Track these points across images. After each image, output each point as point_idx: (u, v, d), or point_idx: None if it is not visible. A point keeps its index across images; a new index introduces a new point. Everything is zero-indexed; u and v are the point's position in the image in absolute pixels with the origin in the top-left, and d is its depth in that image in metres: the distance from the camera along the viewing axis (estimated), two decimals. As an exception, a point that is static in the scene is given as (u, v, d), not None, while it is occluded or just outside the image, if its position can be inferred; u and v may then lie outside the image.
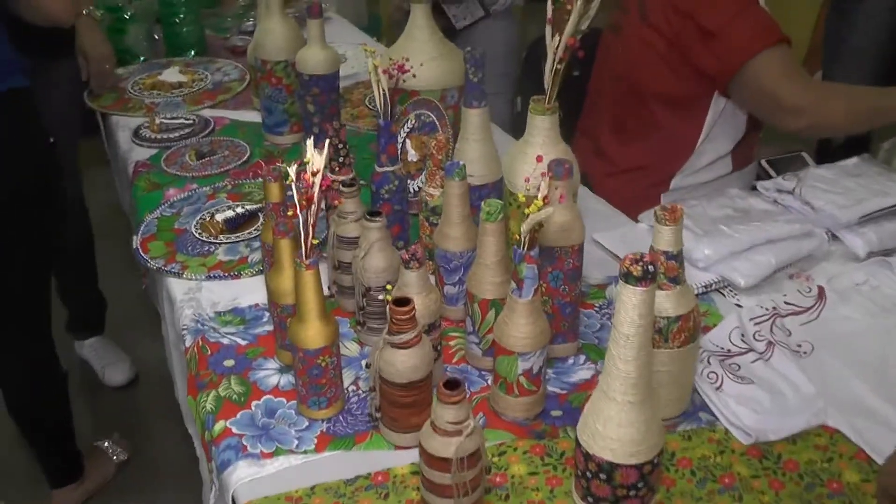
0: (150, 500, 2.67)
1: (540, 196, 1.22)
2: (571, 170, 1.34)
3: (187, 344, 1.53)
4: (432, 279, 1.46)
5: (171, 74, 2.55)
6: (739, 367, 1.45)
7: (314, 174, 1.23)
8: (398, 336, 1.20)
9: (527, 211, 1.21)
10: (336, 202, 1.49)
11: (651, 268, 1.03)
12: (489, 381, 1.41)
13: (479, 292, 1.36)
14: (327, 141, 1.29)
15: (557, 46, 1.38)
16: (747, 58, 1.92)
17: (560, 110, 1.45)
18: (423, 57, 1.79)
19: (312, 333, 1.27)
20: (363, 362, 1.45)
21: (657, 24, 2.03)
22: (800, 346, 1.51)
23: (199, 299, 1.63)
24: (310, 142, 1.26)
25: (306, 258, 1.24)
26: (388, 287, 1.29)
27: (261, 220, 1.84)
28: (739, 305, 1.59)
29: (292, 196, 1.25)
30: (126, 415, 2.97)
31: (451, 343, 1.50)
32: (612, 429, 1.10)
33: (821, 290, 1.64)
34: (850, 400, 1.40)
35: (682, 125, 2.09)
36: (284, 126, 2.17)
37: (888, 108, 1.92)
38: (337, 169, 1.63)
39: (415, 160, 1.82)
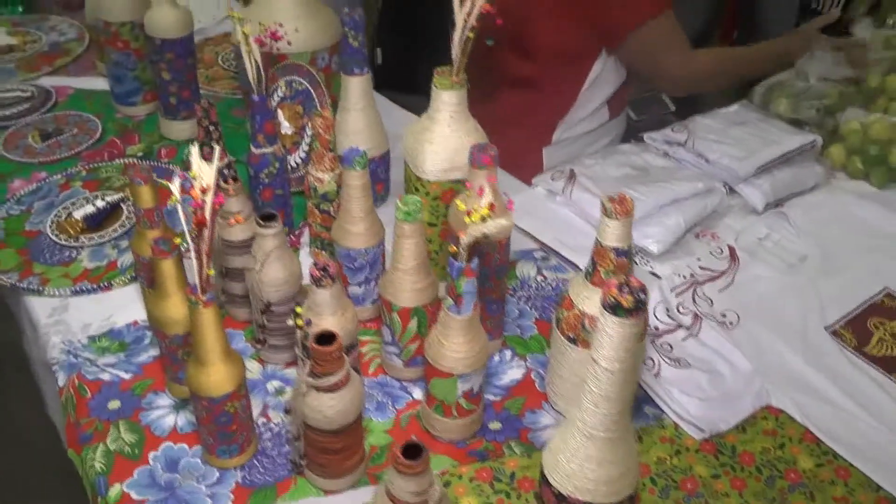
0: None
1: (484, 203, 0.94)
2: (496, 156, 1.07)
3: (60, 383, 1.19)
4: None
5: (-1, 37, 2.08)
6: (672, 347, 1.25)
7: (204, 192, 0.91)
8: (325, 379, 0.92)
9: (468, 220, 0.94)
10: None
11: (642, 295, 0.78)
12: (414, 395, 1.15)
13: (398, 300, 1.09)
14: (215, 150, 0.97)
15: (470, 13, 1.09)
16: (637, 24, 1.74)
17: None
18: (289, 17, 1.46)
19: (217, 379, 0.97)
20: (283, 401, 1.15)
21: None
22: (724, 315, 1.32)
23: (67, 321, 1.28)
24: (194, 150, 0.93)
25: (202, 293, 0.94)
26: (298, 310, 1.00)
27: (125, 212, 1.49)
28: (655, 275, 1.38)
29: (174, 213, 0.94)
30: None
31: (364, 349, 1.22)
32: (592, 469, 0.86)
33: (731, 250, 1.45)
34: (785, 373, 1.24)
35: (566, 78, 1.85)
36: (137, 95, 1.78)
37: (755, 61, 1.92)
38: (209, 154, 1.30)
39: (290, 133, 1.50)
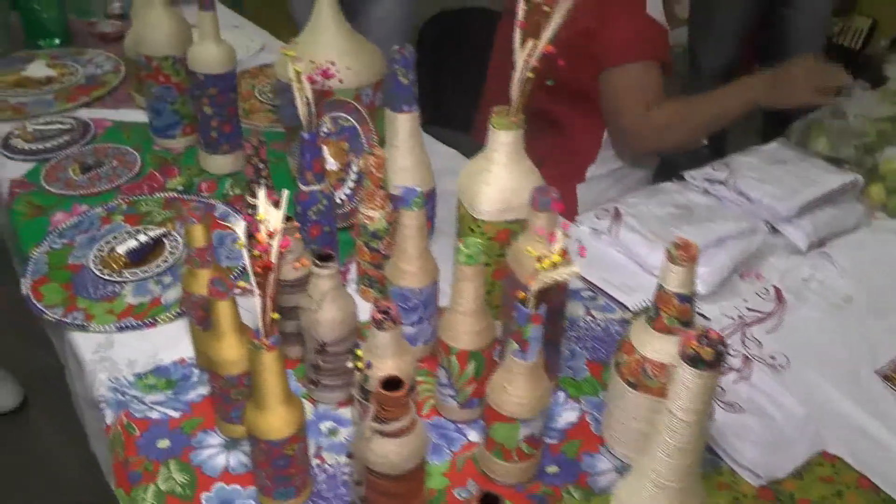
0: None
1: (556, 249, 0.92)
2: (559, 200, 1.04)
3: (108, 420, 1.16)
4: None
5: (38, 69, 2.06)
6: (724, 390, 1.22)
7: (271, 235, 0.88)
8: (390, 424, 0.89)
9: (539, 266, 0.91)
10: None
11: (722, 348, 0.76)
12: (469, 437, 1.12)
13: (456, 343, 1.06)
14: (284, 195, 0.94)
15: (531, 54, 1.07)
16: (611, 63, 1.72)
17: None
18: (338, 53, 1.45)
19: (278, 423, 0.94)
20: (337, 442, 1.12)
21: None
22: (774, 357, 1.29)
23: (113, 358, 1.25)
24: (262, 194, 0.91)
25: (266, 337, 0.91)
26: (358, 352, 0.97)
27: (167, 247, 1.46)
28: (703, 315, 1.35)
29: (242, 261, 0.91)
30: (21, 442, 2.44)
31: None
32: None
33: (777, 291, 1.42)
34: (838, 417, 1.21)
35: (586, 117, 1.83)
36: (176, 128, 1.76)
37: (717, 108, 1.79)
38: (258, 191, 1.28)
39: (334, 169, 1.48)
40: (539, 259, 0.91)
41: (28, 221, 1.55)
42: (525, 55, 1.08)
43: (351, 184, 1.47)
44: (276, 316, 0.90)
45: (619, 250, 1.46)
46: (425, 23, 2.37)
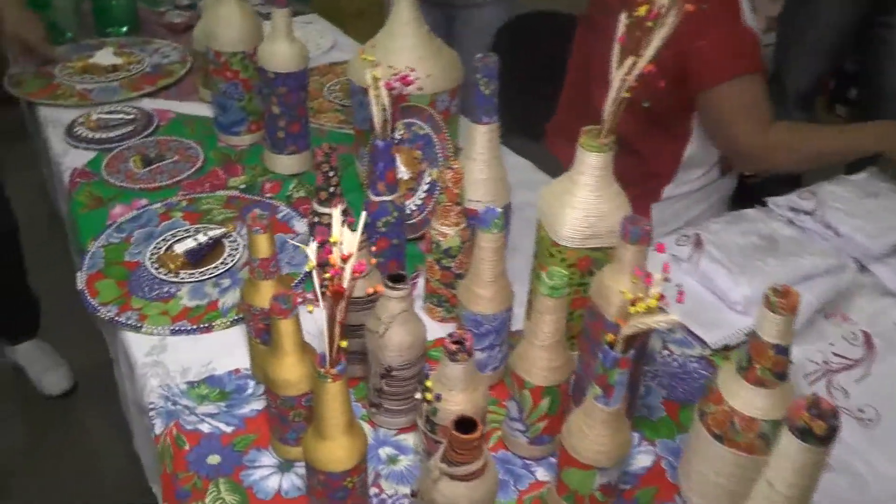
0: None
1: (653, 293, 0.83)
2: (651, 232, 0.96)
3: (157, 430, 1.09)
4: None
5: (105, 56, 2.02)
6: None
7: (344, 259, 0.81)
8: (462, 468, 0.82)
9: (632, 310, 0.83)
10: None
11: (835, 422, 0.67)
12: (537, 475, 1.04)
13: (531, 377, 0.98)
14: (362, 217, 0.87)
15: (629, 72, 0.99)
16: (714, 82, 1.60)
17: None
18: (416, 58, 1.38)
19: (339, 454, 0.87)
20: (410, 490, 1.03)
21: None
22: (862, 410, 1.20)
23: (165, 363, 1.19)
24: (337, 214, 0.83)
25: (332, 366, 0.84)
26: (428, 383, 0.90)
27: (227, 248, 1.40)
28: (787, 357, 1.26)
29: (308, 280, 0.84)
30: (67, 427, 2.41)
31: (480, 419, 1.11)
32: None
33: (867, 336, 1.31)
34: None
35: (669, 135, 1.73)
36: (241, 125, 1.70)
37: (840, 150, 1.67)
38: (326, 198, 1.21)
39: (405, 178, 1.41)
40: (633, 302, 0.82)
41: (87, 213, 1.50)
42: (623, 73, 0.99)
43: (422, 194, 1.40)
44: (343, 344, 0.83)
45: (699, 281, 1.37)
46: (499, 28, 2.29)
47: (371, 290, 0.93)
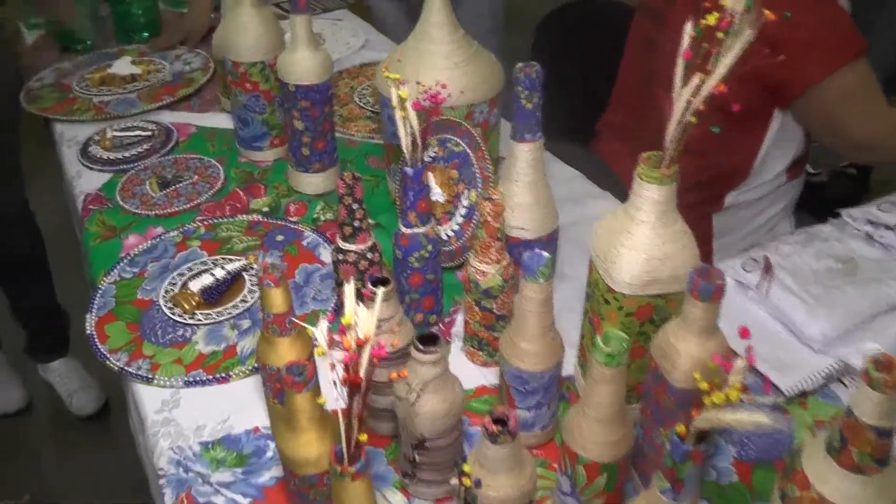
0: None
1: (733, 381, 0.69)
2: (724, 287, 0.81)
3: (168, 501, 0.97)
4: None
5: (123, 66, 1.90)
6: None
7: (360, 344, 0.67)
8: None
9: (708, 400, 0.68)
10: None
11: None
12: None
13: (586, 452, 0.84)
14: (380, 293, 0.73)
15: (695, 93, 0.83)
16: (816, 79, 1.42)
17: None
18: (449, 67, 1.23)
19: (363, 559, 0.74)
20: None
21: (709, 10, 1.49)
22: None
23: (178, 420, 1.07)
24: (349, 290, 0.69)
25: (351, 462, 0.70)
26: (466, 468, 0.76)
27: (247, 283, 1.27)
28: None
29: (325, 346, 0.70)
30: (97, 448, 2.33)
31: (527, 486, 0.97)
32: None
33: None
34: None
35: (740, 140, 1.56)
36: (263, 140, 1.57)
37: None
38: (351, 234, 1.08)
39: (441, 201, 1.27)
40: (709, 389, 0.68)
41: (99, 245, 1.38)
42: (688, 94, 0.84)
43: (460, 219, 1.26)
44: (363, 437, 0.70)
45: (769, 313, 1.21)
46: (544, 17, 2.11)
47: (395, 341, 0.79)
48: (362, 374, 0.66)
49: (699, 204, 1.59)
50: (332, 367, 0.67)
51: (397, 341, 0.94)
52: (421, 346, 0.85)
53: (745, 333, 0.74)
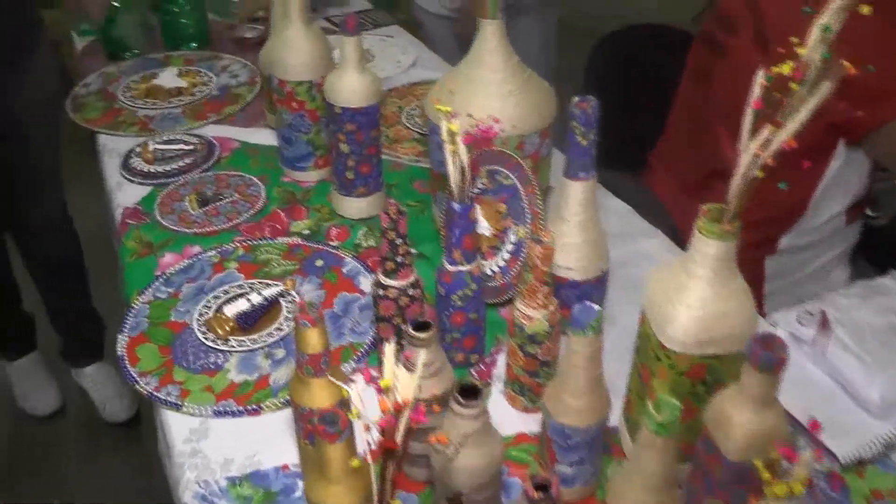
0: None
1: (798, 475, 0.64)
2: (787, 359, 0.76)
3: (190, 544, 0.95)
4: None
5: (169, 77, 1.89)
6: None
7: (398, 409, 0.63)
8: None
9: (769, 491, 0.63)
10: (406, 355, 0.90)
11: None
12: None
13: (630, 520, 0.80)
14: (421, 354, 0.70)
15: (764, 146, 0.79)
16: (891, 117, 1.35)
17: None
18: (501, 96, 1.20)
19: None
20: None
21: (781, 56, 1.44)
22: None
23: (206, 452, 1.04)
24: (389, 350, 0.66)
25: (385, 527, 0.67)
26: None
27: (284, 309, 1.24)
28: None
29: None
30: (126, 458, 2.32)
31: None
32: None
33: None
34: None
35: (799, 178, 1.50)
36: (307, 160, 1.55)
37: None
38: (392, 269, 1.04)
39: (487, 234, 1.23)
40: (769, 475, 0.63)
41: (135, 262, 1.36)
42: (756, 147, 0.79)
43: (506, 255, 1.22)
44: (397, 502, 0.66)
45: (826, 371, 1.15)
46: (600, 39, 2.06)
47: (417, 422, 0.75)
48: (398, 439, 0.63)
49: (752, 246, 1.53)
50: (367, 428, 0.63)
51: (437, 388, 0.91)
52: (462, 400, 0.81)
53: (814, 427, 0.69)
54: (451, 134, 1.00)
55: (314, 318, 0.86)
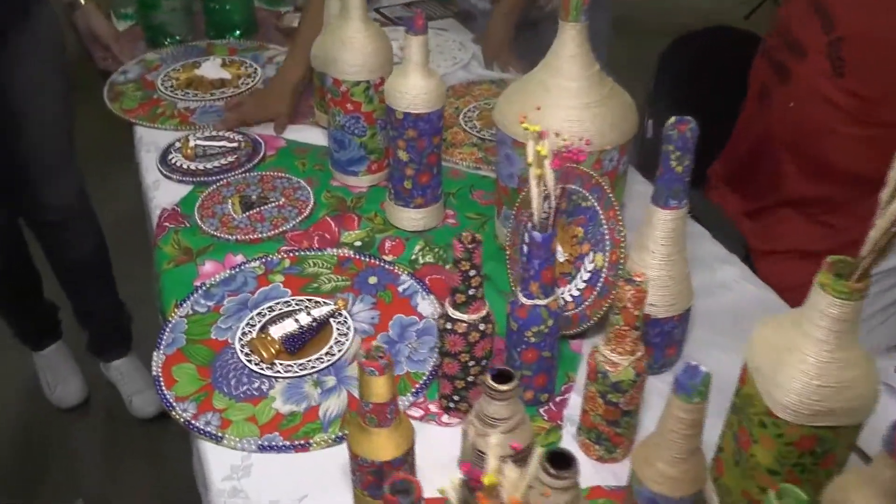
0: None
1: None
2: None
3: None
4: None
5: (212, 68, 1.80)
6: None
7: None
8: None
9: None
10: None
11: None
12: None
13: None
14: (536, 456, 0.62)
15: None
16: None
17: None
18: (588, 120, 1.11)
19: None
20: None
21: (858, 84, 1.36)
22: None
23: (248, 492, 0.96)
24: (495, 442, 0.58)
25: None
26: None
27: (334, 331, 1.16)
28: None
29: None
30: (151, 456, 2.25)
31: None
32: None
33: None
34: None
35: (865, 206, 1.40)
36: (360, 165, 1.47)
37: None
38: (463, 302, 0.96)
39: (561, 260, 1.15)
40: None
41: (172, 270, 1.29)
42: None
43: (581, 284, 1.13)
44: None
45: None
46: (671, 43, 1.95)
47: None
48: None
49: (814, 274, 1.44)
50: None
51: (518, 443, 0.83)
52: (553, 471, 0.73)
53: None
54: (539, 157, 0.92)
55: (383, 366, 0.78)
